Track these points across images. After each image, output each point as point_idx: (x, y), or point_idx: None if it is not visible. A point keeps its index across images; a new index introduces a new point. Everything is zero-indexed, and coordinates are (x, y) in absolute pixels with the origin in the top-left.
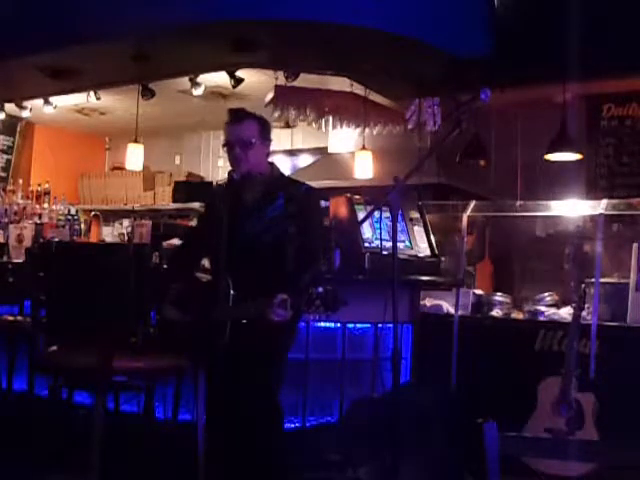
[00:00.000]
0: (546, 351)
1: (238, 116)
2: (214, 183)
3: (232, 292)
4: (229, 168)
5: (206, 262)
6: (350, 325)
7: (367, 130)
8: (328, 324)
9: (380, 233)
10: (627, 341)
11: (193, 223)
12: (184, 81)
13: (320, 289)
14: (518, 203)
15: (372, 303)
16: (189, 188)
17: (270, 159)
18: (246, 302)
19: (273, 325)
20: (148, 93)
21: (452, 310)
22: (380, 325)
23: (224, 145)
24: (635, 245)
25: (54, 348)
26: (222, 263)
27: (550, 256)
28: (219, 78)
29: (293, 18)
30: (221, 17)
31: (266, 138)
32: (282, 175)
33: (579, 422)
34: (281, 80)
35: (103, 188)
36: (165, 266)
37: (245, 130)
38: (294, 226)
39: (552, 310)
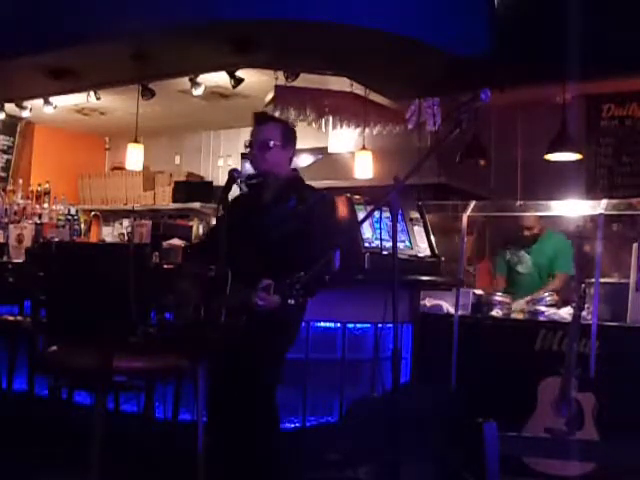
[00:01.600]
0: (546, 351)
1: (260, 118)
2: (239, 182)
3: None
4: (229, 168)
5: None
6: (350, 325)
7: (367, 130)
8: (328, 324)
9: (380, 233)
10: (627, 341)
11: (193, 223)
12: (184, 81)
13: (302, 274)
14: (518, 203)
15: (372, 303)
16: (189, 188)
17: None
18: (237, 291)
19: (260, 310)
20: (148, 93)
21: (452, 310)
22: (380, 325)
23: (246, 146)
24: (635, 245)
25: (54, 348)
26: (225, 257)
27: None
28: (219, 78)
29: (293, 18)
30: (221, 17)
31: (287, 144)
32: (300, 180)
33: (579, 422)
34: (281, 80)
35: (103, 188)
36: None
37: (265, 132)
38: (301, 228)
39: (552, 310)
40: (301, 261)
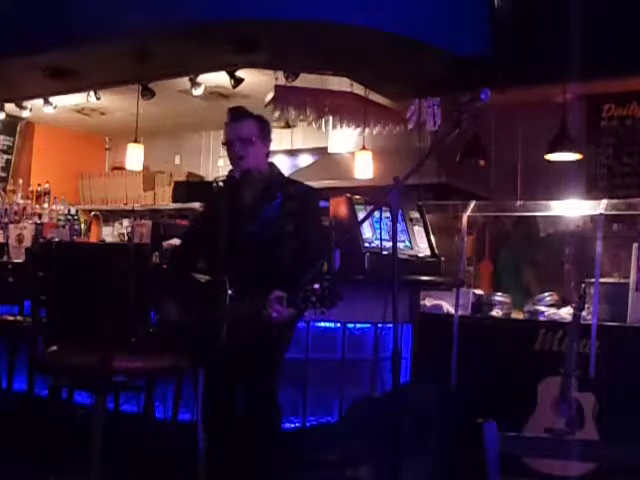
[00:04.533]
0: (546, 351)
1: (237, 115)
2: (214, 182)
3: (229, 291)
4: (229, 168)
5: (202, 262)
6: (350, 325)
7: (367, 130)
8: (328, 324)
9: (380, 233)
10: (627, 341)
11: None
12: (184, 81)
13: (317, 285)
14: (518, 203)
15: (372, 303)
16: (189, 188)
17: (270, 159)
18: (243, 301)
19: (272, 323)
20: (148, 93)
21: (452, 310)
22: (380, 325)
23: (224, 144)
24: (635, 245)
25: (54, 348)
26: (220, 263)
27: (550, 256)
28: (219, 78)
29: (293, 18)
30: (221, 17)
31: (265, 137)
32: (281, 175)
33: (579, 422)
34: (281, 80)
35: (103, 188)
36: (164, 266)
37: (244, 128)
38: (291, 225)
39: (552, 310)
40: (302, 260)
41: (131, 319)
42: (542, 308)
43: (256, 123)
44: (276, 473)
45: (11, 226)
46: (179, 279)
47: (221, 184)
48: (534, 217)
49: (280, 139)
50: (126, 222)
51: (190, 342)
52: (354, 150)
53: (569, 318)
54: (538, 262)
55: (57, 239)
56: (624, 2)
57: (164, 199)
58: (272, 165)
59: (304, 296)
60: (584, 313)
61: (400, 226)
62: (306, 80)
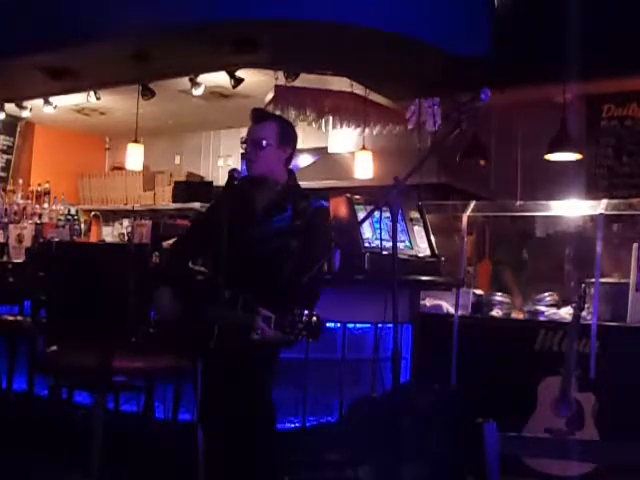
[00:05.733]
0: (546, 351)
1: (255, 117)
2: (233, 178)
3: (225, 293)
4: (229, 168)
5: (202, 259)
6: (350, 325)
7: (367, 130)
8: (328, 324)
9: (380, 233)
10: (627, 341)
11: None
12: (184, 81)
13: (306, 311)
14: (518, 203)
15: (372, 303)
16: (189, 188)
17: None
18: (235, 309)
19: (257, 340)
20: (148, 93)
21: (452, 310)
22: (380, 325)
23: (242, 143)
24: (635, 245)
25: (54, 348)
26: (220, 263)
27: (550, 256)
28: (219, 78)
29: (293, 18)
30: (221, 17)
31: (284, 143)
32: (297, 186)
33: (579, 422)
34: (281, 80)
35: (103, 188)
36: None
37: (260, 131)
38: (296, 241)
39: (552, 310)
40: (296, 275)
41: (131, 319)
42: (542, 308)
43: (275, 127)
44: (275, 473)
45: (11, 226)
46: (177, 271)
47: (237, 182)
48: (530, 217)
49: None
50: (126, 222)
51: (184, 335)
52: (354, 150)
53: (569, 318)
54: (528, 262)
55: (57, 239)
56: (624, 2)
57: (164, 199)
58: (290, 173)
59: (292, 320)
60: (584, 313)
61: (400, 226)
62: (306, 80)
